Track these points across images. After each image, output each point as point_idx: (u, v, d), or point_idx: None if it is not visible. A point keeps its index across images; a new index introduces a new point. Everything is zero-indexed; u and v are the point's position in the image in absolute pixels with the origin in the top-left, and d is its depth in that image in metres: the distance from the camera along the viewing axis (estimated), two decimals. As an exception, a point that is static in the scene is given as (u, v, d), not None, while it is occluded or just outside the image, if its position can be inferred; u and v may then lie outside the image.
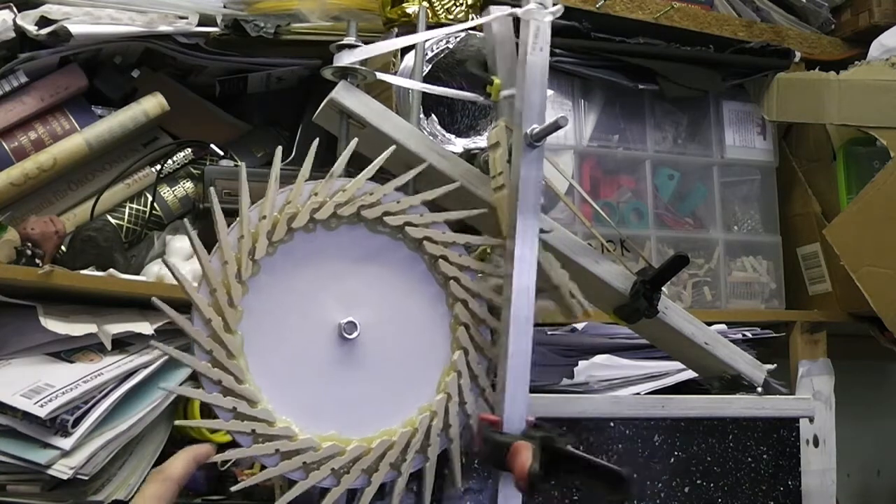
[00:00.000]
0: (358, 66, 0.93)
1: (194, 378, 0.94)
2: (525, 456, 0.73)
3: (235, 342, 0.80)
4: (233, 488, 0.80)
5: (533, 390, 1.00)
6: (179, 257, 1.17)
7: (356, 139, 0.89)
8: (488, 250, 1.05)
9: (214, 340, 0.79)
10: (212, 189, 0.84)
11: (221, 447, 1.04)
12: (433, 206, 0.89)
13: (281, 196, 0.83)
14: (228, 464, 1.04)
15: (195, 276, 0.81)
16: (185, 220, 0.87)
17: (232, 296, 0.80)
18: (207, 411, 0.94)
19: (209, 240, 0.82)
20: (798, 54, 1.44)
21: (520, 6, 0.90)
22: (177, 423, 0.84)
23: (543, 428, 0.79)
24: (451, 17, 1.21)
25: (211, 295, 0.80)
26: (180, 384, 1.02)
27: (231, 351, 0.80)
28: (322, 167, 0.85)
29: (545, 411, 0.92)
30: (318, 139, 0.86)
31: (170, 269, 0.79)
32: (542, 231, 0.86)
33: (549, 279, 0.89)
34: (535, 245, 0.85)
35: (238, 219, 0.82)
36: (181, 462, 0.80)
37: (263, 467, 0.81)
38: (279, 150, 0.84)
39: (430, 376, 0.88)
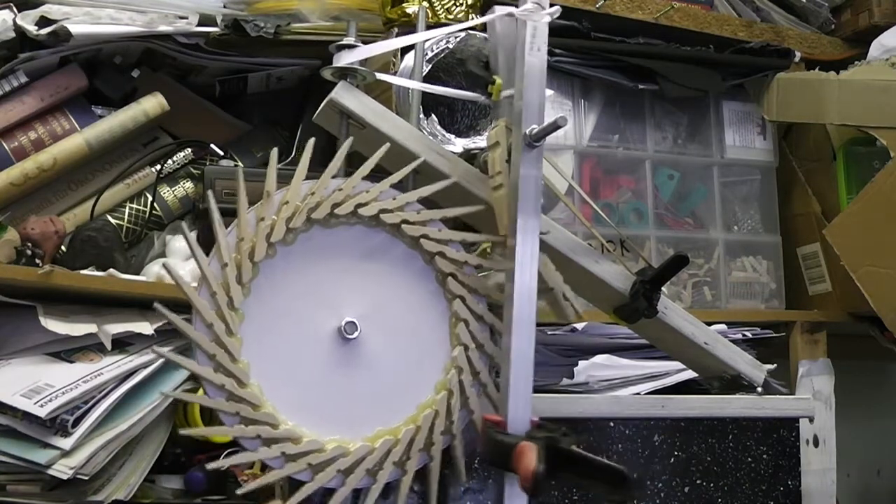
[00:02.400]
0: (357, 67, 0.93)
1: (194, 378, 0.94)
2: (530, 457, 0.73)
3: (237, 345, 0.80)
4: (239, 491, 0.80)
5: (533, 390, 1.00)
6: (179, 257, 1.17)
7: (351, 138, 0.89)
8: (488, 250, 1.05)
9: (217, 344, 0.79)
10: (209, 192, 0.84)
11: (223, 446, 1.05)
12: (431, 204, 0.89)
13: (277, 197, 0.83)
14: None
15: (195, 276, 0.81)
16: (183, 223, 0.87)
17: (233, 299, 0.80)
18: (208, 411, 0.94)
19: (210, 240, 0.82)
20: (798, 54, 1.44)
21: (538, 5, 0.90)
22: (182, 432, 0.84)
23: (547, 428, 0.79)
24: (451, 17, 1.21)
25: (211, 298, 0.80)
26: (180, 384, 1.02)
27: (233, 354, 0.80)
28: (322, 168, 0.85)
29: (545, 411, 0.92)
30: (313, 139, 0.86)
31: (170, 273, 0.79)
32: (540, 233, 0.86)
33: (542, 281, 0.89)
34: (535, 245, 0.85)
35: (236, 220, 0.82)
36: None
37: (265, 466, 0.81)
38: (274, 151, 0.84)
39: (431, 374, 0.88)
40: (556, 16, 0.91)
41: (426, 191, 0.88)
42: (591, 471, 0.76)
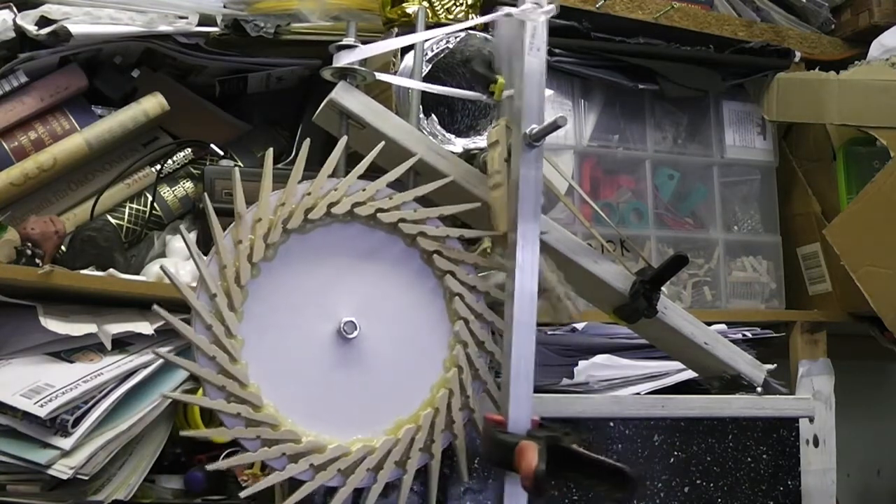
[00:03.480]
0: (357, 67, 0.93)
1: (194, 378, 0.94)
2: (531, 456, 0.73)
3: (237, 346, 0.80)
4: (241, 494, 0.80)
5: (533, 390, 1.00)
6: (179, 258, 1.17)
7: (345, 137, 0.89)
8: (488, 249, 1.05)
9: (217, 346, 0.79)
10: (205, 195, 0.84)
11: (223, 446, 1.05)
12: (430, 204, 0.89)
13: (274, 198, 0.83)
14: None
15: (195, 277, 0.81)
16: (182, 225, 0.87)
17: (232, 300, 0.80)
18: (208, 411, 0.94)
19: (209, 239, 0.82)
20: (798, 54, 1.44)
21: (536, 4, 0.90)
22: (183, 433, 0.84)
23: (549, 427, 0.79)
24: (451, 17, 1.21)
25: (211, 300, 0.80)
26: (180, 384, 1.02)
27: (233, 355, 0.80)
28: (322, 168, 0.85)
29: (545, 411, 0.92)
30: (309, 139, 0.86)
31: (168, 276, 0.79)
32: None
33: (540, 281, 0.89)
34: (536, 246, 0.85)
35: (234, 222, 0.82)
36: None
37: (265, 466, 0.81)
38: (270, 151, 0.84)
39: (431, 373, 0.88)
40: (552, 14, 0.90)
41: (423, 189, 0.88)
42: (594, 470, 0.76)
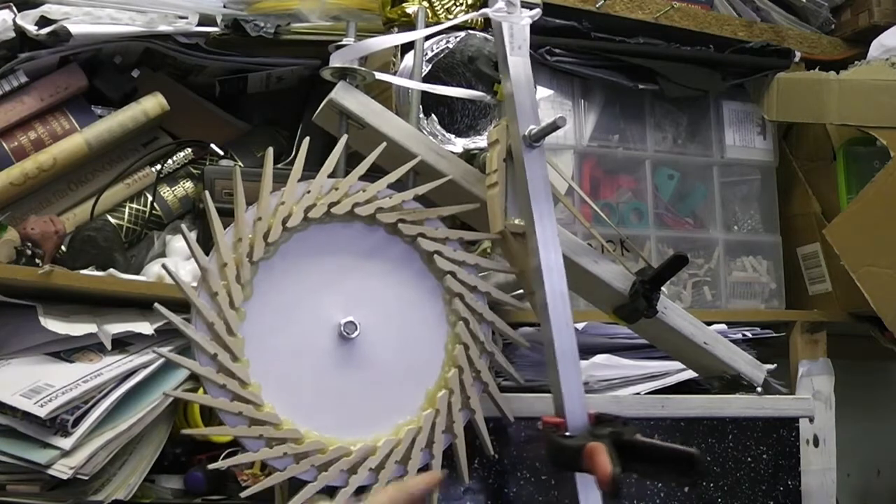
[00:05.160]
0: (357, 67, 0.93)
1: (194, 378, 0.94)
2: (603, 458, 0.72)
3: (239, 345, 0.80)
4: (242, 494, 0.80)
5: (533, 390, 1.01)
6: (180, 257, 1.17)
7: (345, 136, 0.89)
8: (488, 250, 1.05)
9: (218, 344, 0.79)
10: (206, 193, 0.84)
11: (223, 446, 1.05)
12: (430, 204, 0.89)
13: (274, 197, 0.83)
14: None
15: (195, 276, 0.81)
16: (183, 224, 0.87)
17: (233, 298, 0.80)
18: (208, 410, 0.93)
19: (209, 238, 0.82)
20: (798, 54, 1.44)
21: (529, 7, 0.90)
22: (184, 432, 0.84)
23: (607, 421, 0.79)
24: (450, 17, 1.21)
25: (212, 299, 0.80)
26: (180, 384, 1.02)
27: (235, 354, 0.80)
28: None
29: (546, 411, 0.92)
30: (308, 139, 0.86)
31: (170, 275, 0.79)
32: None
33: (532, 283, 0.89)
34: (557, 245, 0.85)
35: (234, 220, 0.82)
36: (423, 484, 0.79)
37: (264, 465, 0.81)
38: (270, 151, 0.84)
39: (432, 372, 0.88)
40: (536, 18, 0.90)
41: (422, 189, 0.88)
42: (661, 458, 0.74)
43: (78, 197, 1.20)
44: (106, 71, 1.21)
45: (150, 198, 1.22)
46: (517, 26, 0.90)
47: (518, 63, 0.89)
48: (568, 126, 1.30)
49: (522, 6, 0.93)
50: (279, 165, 1.22)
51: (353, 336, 0.84)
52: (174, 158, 1.24)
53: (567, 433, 0.79)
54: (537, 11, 0.91)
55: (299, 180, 0.84)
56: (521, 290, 0.99)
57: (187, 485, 1.08)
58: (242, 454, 0.81)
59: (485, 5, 1.22)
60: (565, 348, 0.82)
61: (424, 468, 0.86)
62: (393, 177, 0.87)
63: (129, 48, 1.20)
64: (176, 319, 0.78)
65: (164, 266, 0.84)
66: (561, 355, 0.82)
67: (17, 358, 1.03)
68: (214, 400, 0.79)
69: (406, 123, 0.96)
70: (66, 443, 0.93)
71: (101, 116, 1.20)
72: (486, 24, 1.12)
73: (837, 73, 1.39)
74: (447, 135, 1.14)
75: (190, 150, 1.24)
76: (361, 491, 0.84)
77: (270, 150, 0.84)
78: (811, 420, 1.13)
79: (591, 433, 0.78)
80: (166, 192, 1.23)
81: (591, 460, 0.73)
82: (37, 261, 1.07)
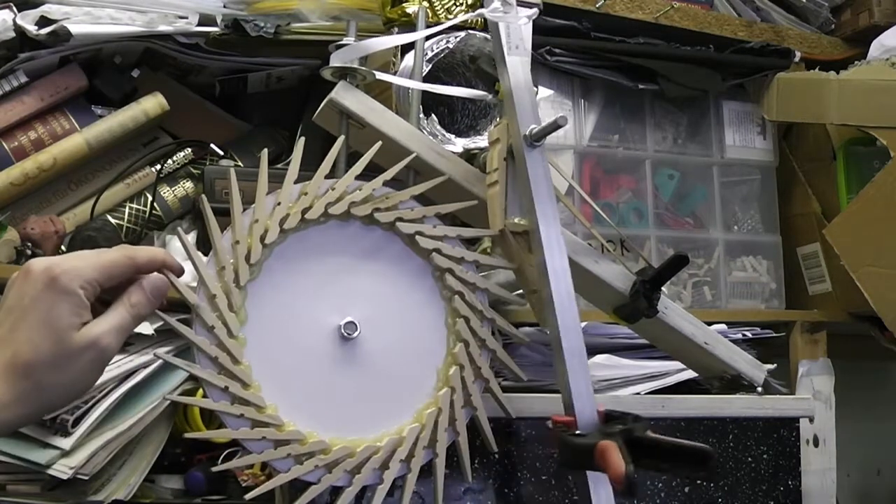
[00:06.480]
0: (357, 66, 0.93)
1: (194, 378, 0.94)
2: (616, 457, 0.71)
3: (239, 347, 0.80)
4: (246, 496, 0.80)
5: (533, 390, 1.01)
6: (180, 258, 1.17)
7: (343, 136, 0.89)
8: (488, 249, 1.05)
9: (219, 347, 0.79)
10: (203, 196, 0.84)
11: (223, 446, 1.05)
12: (429, 203, 0.89)
13: (271, 199, 0.83)
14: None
15: (194, 277, 0.81)
16: (179, 227, 0.87)
17: (232, 301, 0.80)
18: (208, 411, 0.93)
19: (209, 239, 0.82)
20: (798, 54, 1.44)
21: (528, 6, 0.90)
22: (186, 435, 0.84)
23: (617, 418, 0.78)
24: (451, 17, 1.21)
25: (211, 301, 0.80)
26: (180, 384, 1.02)
27: (235, 356, 0.80)
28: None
29: (545, 411, 0.92)
30: (304, 139, 0.86)
31: (169, 279, 0.79)
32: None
33: (530, 283, 0.89)
34: (563, 247, 0.85)
35: (231, 223, 0.82)
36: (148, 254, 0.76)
37: (265, 465, 0.81)
38: (265, 152, 0.84)
39: (433, 371, 0.88)
40: (533, 18, 0.90)
41: (420, 188, 0.88)
42: (674, 454, 0.74)
43: (78, 197, 1.20)
44: (106, 71, 1.21)
45: (150, 198, 1.22)
46: (513, 26, 0.89)
47: (516, 63, 0.89)
48: (568, 126, 1.30)
49: (519, 5, 0.93)
50: (279, 166, 1.22)
51: (353, 336, 0.84)
52: (174, 158, 1.24)
53: (577, 432, 0.78)
54: (535, 11, 0.91)
55: (297, 181, 0.84)
56: (521, 290, 0.99)
57: (187, 485, 1.08)
58: (245, 456, 0.81)
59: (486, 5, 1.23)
60: (573, 346, 0.82)
61: (428, 466, 0.86)
62: (389, 174, 0.87)
63: (129, 48, 1.20)
64: (177, 324, 0.78)
65: (162, 270, 0.84)
66: (569, 353, 0.82)
67: (17, 358, 1.03)
68: (216, 403, 0.79)
69: (406, 123, 0.96)
70: (66, 443, 0.93)
71: (101, 116, 1.19)
72: (487, 24, 1.12)
73: (837, 73, 1.39)
74: (447, 135, 1.14)
75: (190, 150, 1.24)
76: (364, 492, 0.84)
77: (265, 151, 0.84)
78: (811, 420, 1.13)
79: (601, 431, 0.77)
80: (166, 192, 1.23)
81: (604, 459, 0.72)
82: (37, 261, 1.07)
